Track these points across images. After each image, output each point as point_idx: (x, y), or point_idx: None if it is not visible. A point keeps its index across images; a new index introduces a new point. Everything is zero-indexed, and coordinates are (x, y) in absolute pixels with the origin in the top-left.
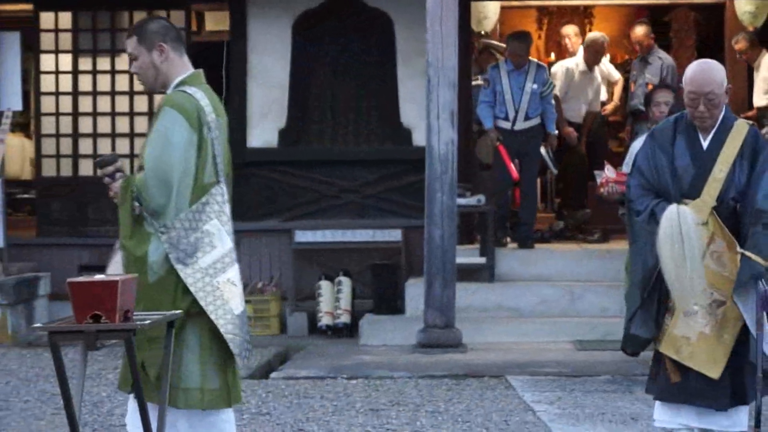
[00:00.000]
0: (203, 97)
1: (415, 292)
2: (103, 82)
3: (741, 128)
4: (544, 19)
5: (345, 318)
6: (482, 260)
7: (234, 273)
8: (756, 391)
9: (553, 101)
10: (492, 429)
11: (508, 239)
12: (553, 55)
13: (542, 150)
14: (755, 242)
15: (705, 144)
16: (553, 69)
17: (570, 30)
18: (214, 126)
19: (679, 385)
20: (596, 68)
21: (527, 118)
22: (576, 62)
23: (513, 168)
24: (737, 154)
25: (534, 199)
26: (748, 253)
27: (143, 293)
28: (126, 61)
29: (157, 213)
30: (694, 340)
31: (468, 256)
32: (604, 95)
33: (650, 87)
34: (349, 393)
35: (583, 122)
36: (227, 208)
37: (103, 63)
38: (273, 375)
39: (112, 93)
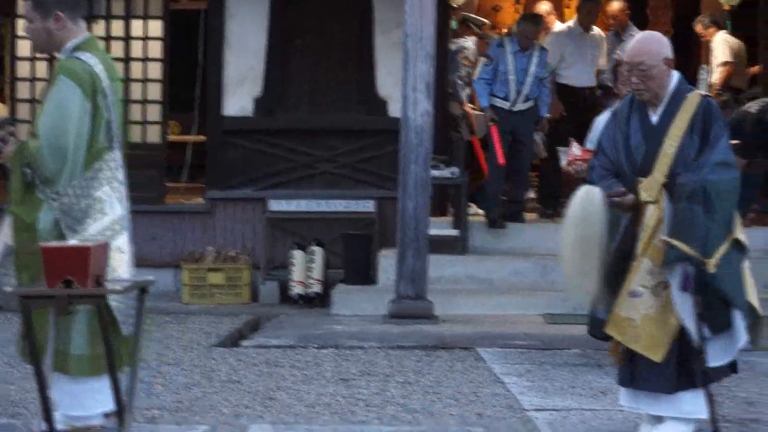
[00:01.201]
0: (97, 63)
1: (387, 263)
2: None
3: (692, 101)
4: None
5: (317, 287)
6: (455, 233)
7: (123, 240)
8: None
9: (549, 85)
10: (462, 400)
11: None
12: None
13: (535, 135)
14: (679, 224)
15: (655, 119)
16: (546, 38)
17: (543, 8)
18: (109, 92)
19: (630, 369)
20: (595, 29)
21: (526, 99)
22: (569, 26)
23: (501, 152)
24: (687, 127)
25: (525, 178)
26: (673, 242)
27: (32, 260)
28: (103, 27)
29: (49, 180)
30: (638, 322)
31: (441, 228)
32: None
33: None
34: (319, 362)
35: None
36: (120, 174)
37: None
38: (244, 343)
39: None
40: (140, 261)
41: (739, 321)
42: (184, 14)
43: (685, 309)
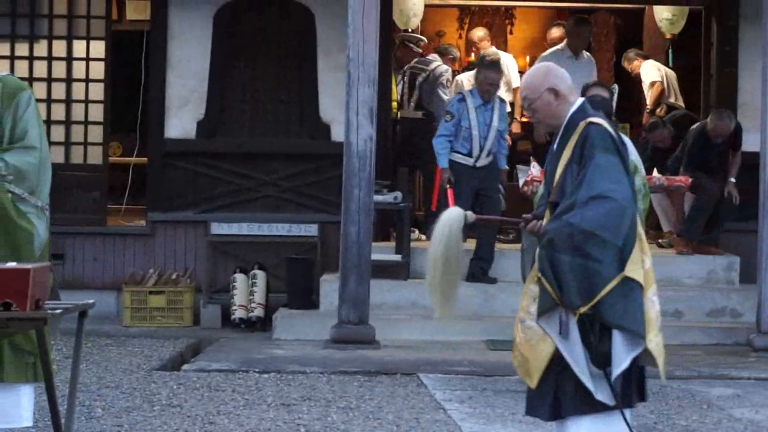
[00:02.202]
0: None
1: (330, 287)
2: (21, 68)
3: (579, 129)
4: (465, 19)
5: (259, 311)
6: (398, 257)
7: None
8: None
9: (507, 136)
10: (403, 426)
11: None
12: (473, 56)
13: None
14: (545, 270)
15: (554, 148)
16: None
17: (477, 34)
18: None
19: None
20: (585, 54)
21: (488, 154)
22: (558, 49)
23: None
24: (570, 156)
25: (493, 236)
26: (546, 285)
27: None
28: (45, 47)
29: (39, 192)
30: (522, 347)
31: (384, 253)
32: None
33: None
34: (260, 387)
35: None
36: None
37: (22, 49)
38: (185, 367)
39: (30, 79)
40: (81, 283)
41: (620, 348)
42: (127, 35)
43: (567, 339)
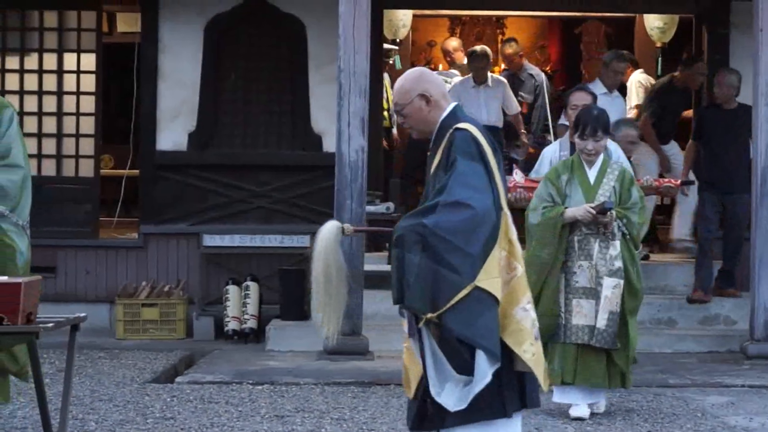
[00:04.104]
0: None
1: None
2: (12, 81)
3: (449, 136)
4: (456, 28)
5: (252, 323)
6: (387, 267)
7: None
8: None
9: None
10: None
11: None
12: (448, 66)
13: None
14: (395, 270)
15: (429, 155)
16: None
17: (452, 44)
18: None
19: None
20: (489, 78)
21: None
22: (462, 80)
23: None
24: (438, 163)
25: None
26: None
27: None
28: (36, 60)
29: (21, 208)
30: (403, 357)
31: (376, 263)
32: None
33: (524, 105)
34: (254, 399)
35: None
36: None
37: (12, 62)
38: (178, 379)
39: (21, 92)
40: (74, 296)
41: (483, 364)
42: (118, 47)
43: (426, 348)
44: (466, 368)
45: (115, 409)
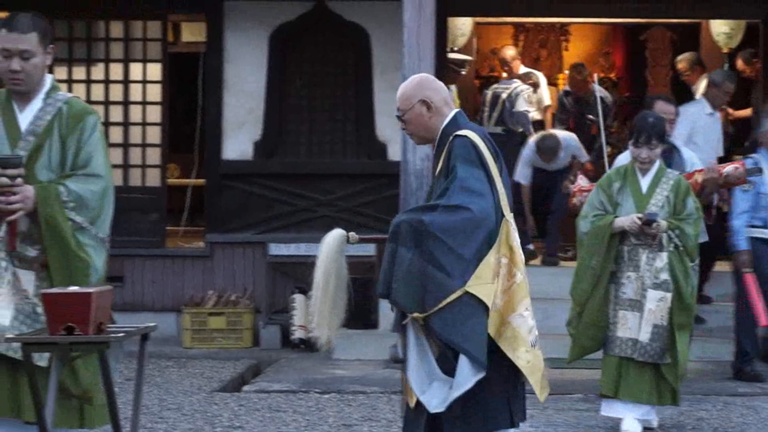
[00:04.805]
0: None
1: (389, 307)
2: (78, 91)
3: (449, 143)
4: (520, 36)
5: None
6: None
7: None
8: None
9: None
10: None
11: None
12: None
13: None
14: (384, 264)
15: (435, 161)
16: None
17: (509, 53)
18: None
19: None
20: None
21: None
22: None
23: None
24: (440, 169)
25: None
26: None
27: None
28: (102, 70)
29: (101, 223)
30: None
31: None
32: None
33: (593, 128)
34: (321, 407)
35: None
36: None
37: (79, 72)
38: (245, 388)
39: (87, 102)
40: (141, 305)
41: (466, 369)
42: (184, 57)
43: (411, 345)
44: (452, 370)
45: (183, 418)
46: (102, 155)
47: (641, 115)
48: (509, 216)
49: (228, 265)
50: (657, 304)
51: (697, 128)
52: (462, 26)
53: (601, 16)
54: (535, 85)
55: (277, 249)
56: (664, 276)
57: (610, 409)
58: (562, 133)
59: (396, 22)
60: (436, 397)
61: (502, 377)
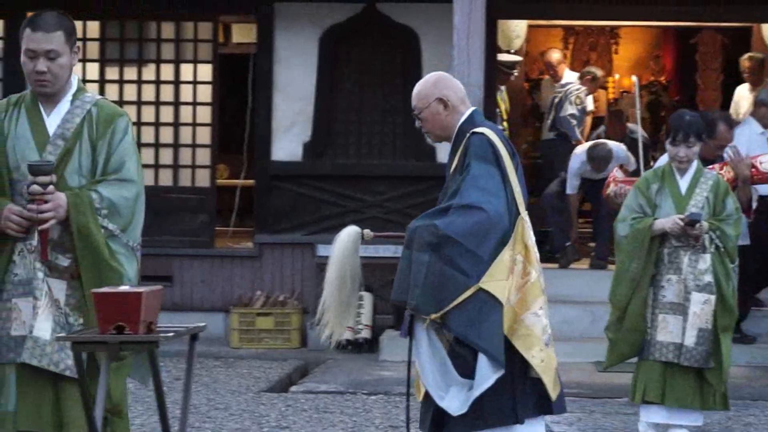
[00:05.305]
0: None
1: None
2: (129, 92)
3: (465, 141)
4: (570, 39)
5: (366, 333)
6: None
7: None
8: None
9: None
10: None
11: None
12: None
13: None
14: (400, 270)
15: (448, 159)
16: None
17: (554, 56)
18: None
19: None
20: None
21: None
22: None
23: None
24: (456, 166)
25: None
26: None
27: None
28: (153, 71)
29: (133, 230)
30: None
31: None
32: None
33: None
34: (368, 409)
35: None
36: None
37: (130, 72)
38: (293, 389)
39: (138, 103)
40: (189, 305)
41: (485, 367)
42: (234, 58)
43: (426, 351)
44: (470, 372)
45: (231, 417)
46: (134, 159)
47: (678, 113)
48: (524, 214)
49: (276, 266)
50: (702, 306)
51: (751, 149)
52: (516, 28)
53: (651, 19)
54: (594, 82)
55: (325, 250)
56: (708, 278)
57: (655, 415)
58: (612, 143)
59: (446, 23)
60: (456, 401)
61: (508, 374)
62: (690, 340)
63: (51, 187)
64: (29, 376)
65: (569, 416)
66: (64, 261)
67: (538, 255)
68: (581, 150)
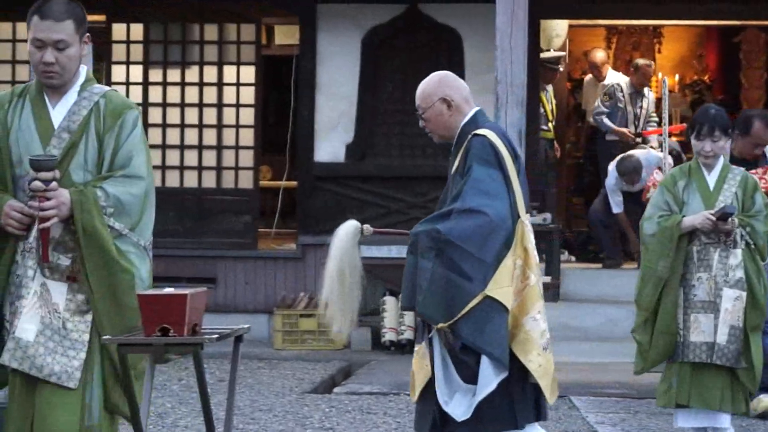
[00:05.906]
0: None
1: None
2: (173, 94)
3: (466, 142)
4: (612, 38)
5: (409, 334)
6: (547, 279)
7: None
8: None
9: None
10: None
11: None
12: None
13: None
14: (406, 276)
15: (451, 159)
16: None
17: (599, 56)
18: None
19: None
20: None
21: None
22: None
23: None
24: (457, 167)
25: None
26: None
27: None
28: (196, 73)
29: (143, 227)
30: (414, 360)
31: None
32: None
33: None
34: (412, 410)
35: None
36: None
37: (174, 75)
38: (336, 390)
39: (182, 105)
40: (233, 307)
41: (488, 372)
42: (277, 59)
43: (437, 356)
44: (473, 377)
45: (274, 419)
46: (143, 154)
47: (703, 108)
48: (525, 217)
49: (320, 267)
50: (733, 303)
51: None
52: (557, 27)
53: (693, 18)
54: (637, 72)
55: (368, 251)
56: (739, 274)
57: (685, 420)
58: (640, 152)
59: (488, 24)
60: (461, 406)
61: (507, 379)
62: (722, 338)
63: (54, 184)
64: (19, 381)
65: (613, 416)
66: (65, 261)
67: (537, 259)
68: (612, 167)
